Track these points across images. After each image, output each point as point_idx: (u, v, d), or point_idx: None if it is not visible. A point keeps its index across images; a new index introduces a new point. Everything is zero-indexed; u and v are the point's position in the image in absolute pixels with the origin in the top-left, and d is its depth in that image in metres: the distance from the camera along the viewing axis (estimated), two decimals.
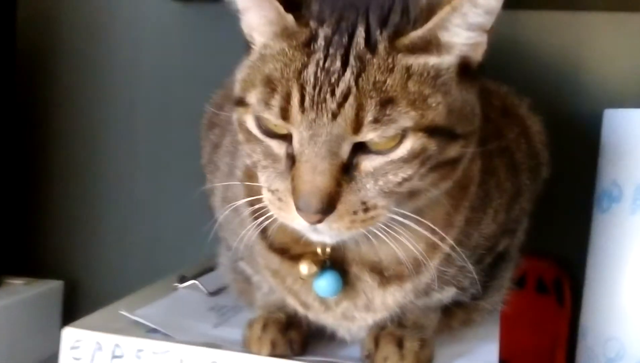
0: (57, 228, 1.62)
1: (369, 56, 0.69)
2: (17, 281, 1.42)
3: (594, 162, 1.21)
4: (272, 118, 0.71)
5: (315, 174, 0.69)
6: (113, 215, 1.62)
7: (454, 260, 0.82)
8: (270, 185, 0.74)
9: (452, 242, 0.81)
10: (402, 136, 0.70)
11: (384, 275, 0.84)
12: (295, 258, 0.85)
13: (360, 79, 0.68)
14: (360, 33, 0.71)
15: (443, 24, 0.70)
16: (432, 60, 0.71)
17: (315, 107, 0.69)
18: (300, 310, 0.88)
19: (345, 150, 0.70)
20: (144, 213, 1.61)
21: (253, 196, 0.81)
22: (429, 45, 0.71)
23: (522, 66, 1.40)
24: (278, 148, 0.74)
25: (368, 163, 0.71)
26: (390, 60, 0.69)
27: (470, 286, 0.91)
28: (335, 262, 0.84)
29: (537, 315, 1.33)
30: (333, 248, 0.83)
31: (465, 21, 0.70)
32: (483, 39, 0.73)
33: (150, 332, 0.93)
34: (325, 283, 0.83)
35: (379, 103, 0.68)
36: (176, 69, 1.56)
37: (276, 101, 0.70)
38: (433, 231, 0.77)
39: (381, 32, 0.70)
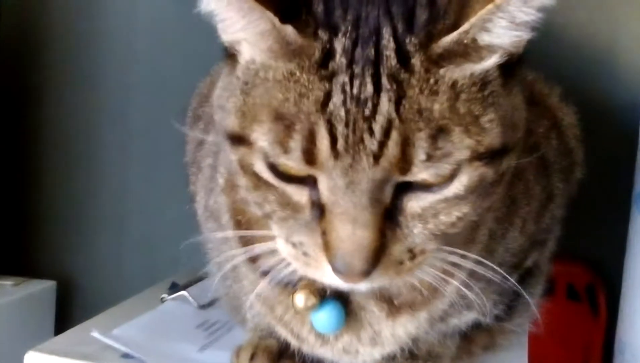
0: (50, 227, 1.60)
1: (404, 74, 0.58)
2: (8, 282, 1.41)
3: (632, 156, 1.16)
4: (293, 164, 0.60)
5: (356, 229, 0.59)
6: (108, 213, 1.59)
7: (475, 281, 0.72)
8: (291, 237, 0.64)
9: (473, 261, 0.71)
10: (455, 168, 0.59)
11: (393, 304, 0.75)
12: (289, 284, 0.75)
13: (401, 107, 0.57)
14: (388, 41, 0.59)
15: (483, 25, 0.59)
16: (476, 68, 0.60)
17: (351, 149, 0.57)
18: (293, 343, 0.80)
19: (389, 192, 0.60)
20: (140, 212, 1.57)
21: (237, 210, 0.75)
22: (467, 49, 0.60)
23: (550, 50, 1.28)
24: (298, 194, 0.62)
25: (415, 204, 0.61)
26: (431, 77, 0.58)
27: (493, 307, 0.82)
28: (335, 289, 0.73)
29: (567, 325, 1.26)
30: None
31: (512, 21, 0.59)
32: (529, 35, 0.61)
33: (125, 357, 0.87)
34: (326, 317, 0.74)
35: (430, 136, 0.57)
36: (173, 60, 1.50)
37: (297, 143, 0.58)
38: (452, 250, 0.68)
39: (411, 38, 0.59)
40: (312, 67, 0.59)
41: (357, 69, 0.58)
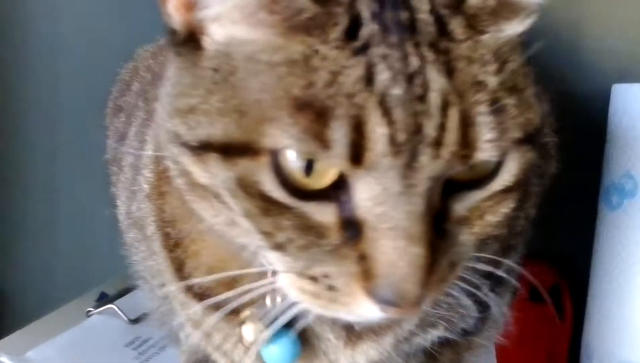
0: None
1: (446, 42, 0.51)
2: None
3: (600, 149, 1.12)
4: (335, 163, 0.50)
5: (409, 246, 0.50)
6: (35, 217, 1.55)
7: (445, 296, 0.66)
8: (310, 269, 0.54)
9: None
10: (503, 155, 0.54)
11: (352, 330, 0.68)
12: (232, 312, 0.65)
13: (454, 80, 0.50)
14: (420, 3, 0.51)
15: None
16: (510, 30, 0.55)
17: (410, 140, 0.48)
18: None
19: (438, 195, 0.52)
20: (70, 215, 1.53)
21: (166, 221, 0.67)
22: (497, 5, 0.54)
23: None
24: (322, 213, 0.52)
25: (460, 206, 0.54)
26: (475, 45, 0.52)
27: (460, 321, 0.76)
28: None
29: (531, 329, 1.18)
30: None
31: None
32: None
33: None
34: (279, 351, 0.66)
35: (490, 111, 0.51)
36: (103, 49, 1.42)
37: (340, 134, 0.48)
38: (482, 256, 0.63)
39: None
40: (339, 39, 0.49)
41: (392, 38, 0.49)
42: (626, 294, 1.04)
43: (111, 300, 1.05)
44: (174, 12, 0.55)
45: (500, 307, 0.85)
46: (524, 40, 0.56)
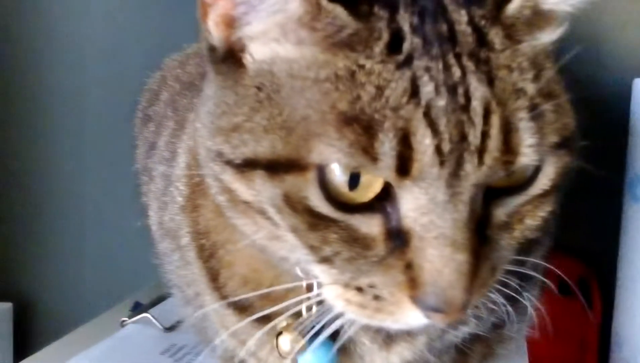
0: (5, 246, 1.54)
1: (486, 52, 0.52)
2: None
3: (623, 142, 1.13)
4: (382, 175, 0.50)
5: (455, 253, 0.50)
6: (65, 229, 1.54)
7: None
8: (356, 281, 0.54)
9: None
10: (541, 160, 0.55)
11: (387, 333, 0.68)
12: (263, 319, 0.65)
13: (494, 89, 0.51)
14: (459, 15, 0.52)
15: None
16: (545, 39, 0.56)
17: (455, 150, 0.49)
18: None
19: (480, 202, 0.53)
20: (100, 225, 1.53)
21: (201, 232, 0.67)
22: (533, 15, 0.56)
23: None
24: (367, 225, 0.53)
25: (501, 211, 0.55)
26: (513, 54, 0.53)
27: (489, 316, 0.76)
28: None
29: (561, 322, 1.12)
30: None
31: None
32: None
33: None
34: (314, 360, 0.65)
35: (531, 117, 0.52)
36: (131, 58, 1.43)
37: (387, 147, 0.48)
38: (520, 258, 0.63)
39: (477, 10, 0.53)
40: (382, 53, 0.50)
41: (434, 50, 0.50)
42: None
43: (145, 309, 1.05)
44: (214, 29, 0.55)
45: (528, 300, 0.83)
46: (556, 48, 0.57)
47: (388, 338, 0.68)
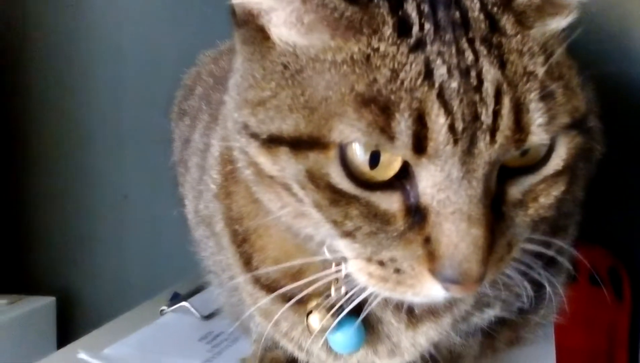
0: (47, 242, 1.58)
1: (498, 37, 0.54)
2: (2, 301, 1.38)
3: None
4: (399, 153, 0.52)
5: (471, 227, 0.52)
6: (105, 224, 1.57)
7: (500, 276, 0.65)
8: (378, 255, 0.56)
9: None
10: (553, 140, 0.56)
11: (413, 313, 0.70)
12: (293, 298, 0.66)
13: (506, 72, 0.53)
14: (472, 2, 0.54)
15: None
16: (554, 26, 0.58)
17: (469, 129, 0.51)
18: (301, 358, 0.74)
19: (494, 179, 0.55)
20: (140, 221, 1.54)
21: (234, 218, 0.68)
22: (544, 4, 0.57)
23: None
24: (388, 201, 0.55)
25: (515, 190, 0.57)
26: (524, 39, 0.55)
27: (515, 300, 0.77)
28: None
29: (591, 311, 1.19)
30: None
31: None
32: None
33: None
34: (344, 338, 0.67)
35: (541, 98, 0.53)
36: (167, 53, 1.45)
37: (404, 126, 0.51)
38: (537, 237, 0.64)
39: None
40: (392, 36, 0.52)
41: (447, 36, 0.52)
42: None
43: (184, 298, 1.06)
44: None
45: (554, 286, 0.83)
46: (568, 34, 0.58)
47: (414, 318, 0.69)
